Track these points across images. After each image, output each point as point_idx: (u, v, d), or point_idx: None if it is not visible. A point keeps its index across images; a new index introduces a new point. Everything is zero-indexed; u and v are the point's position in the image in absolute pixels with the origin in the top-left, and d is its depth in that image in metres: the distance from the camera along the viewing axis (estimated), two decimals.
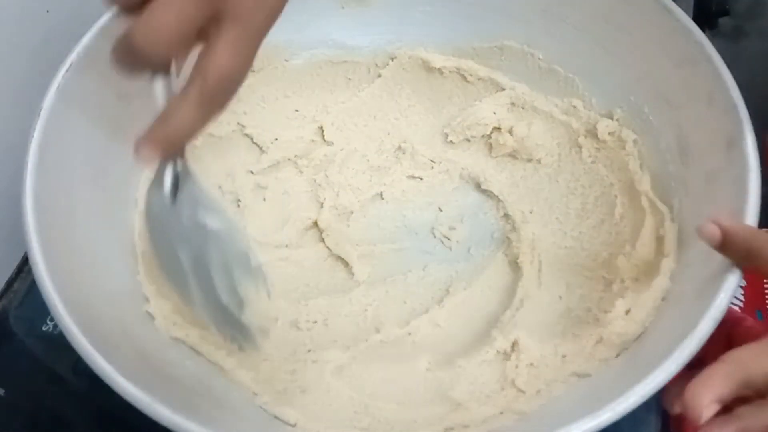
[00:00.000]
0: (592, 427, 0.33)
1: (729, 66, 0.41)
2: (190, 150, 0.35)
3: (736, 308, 0.50)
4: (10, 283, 0.52)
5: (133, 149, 0.33)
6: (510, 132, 0.52)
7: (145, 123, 0.35)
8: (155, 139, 0.32)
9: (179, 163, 0.35)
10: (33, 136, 0.40)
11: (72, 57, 0.41)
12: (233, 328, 0.40)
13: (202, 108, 0.32)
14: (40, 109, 0.40)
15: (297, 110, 0.55)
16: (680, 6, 0.44)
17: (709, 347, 0.44)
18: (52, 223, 0.39)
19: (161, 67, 0.32)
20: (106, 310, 0.40)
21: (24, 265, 0.53)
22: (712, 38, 0.43)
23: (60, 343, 0.35)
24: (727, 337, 0.44)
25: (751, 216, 0.37)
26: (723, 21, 0.61)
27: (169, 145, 0.33)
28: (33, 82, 0.41)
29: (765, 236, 0.35)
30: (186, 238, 0.37)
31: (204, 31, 0.31)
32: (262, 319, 0.40)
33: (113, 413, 0.46)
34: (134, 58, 0.31)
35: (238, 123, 0.53)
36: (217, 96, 0.32)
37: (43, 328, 0.50)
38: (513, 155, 0.53)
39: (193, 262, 0.37)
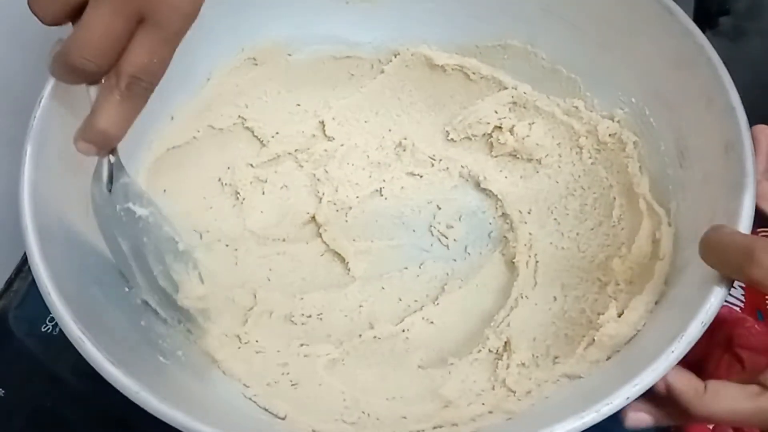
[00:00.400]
0: (577, 428, 0.33)
1: (729, 66, 0.41)
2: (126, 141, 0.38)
3: (737, 309, 0.50)
4: (9, 283, 0.52)
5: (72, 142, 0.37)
6: (511, 131, 0.52)
7: (143, 117, 0.38)
8: (86, 138, 0.36)
9: (112, 156, 0.38)
10: (30, 133, 0.39)
11: None
12: (176, 311, 0.42)
13: (122, 106, 0.35)
14: (38, 105, 0.40)
15: (298, 105, 0.55)
16: (681, 5, 0.43)
17: (710, 349, 0.44)
18: (50, 220, 0.39)
19: (97, 78, 0.35)
20: (102, 304, 0.40)
21: (23, 265, 0.53)
22: (713, 38, 0.42)
23: (59, 343, 0.36)
24: (727, 338, 0.44)
25: (745, 219, 0.37)
26: (723, 20, 0.61)
27: (99, 141, 0.36)
28: (32, 82, 0.41)
29: (734, 239, 0.34)
30: (123, 226, 0.40)
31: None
32: (197, 302, 0.42)
33: (112, 413, 0.47)
34: (71, 73, 0.34)
35: (239, 116, 0.53)
36: (132, 93, 0.35)
37: (43, 329, 0.50)
38: (513, 155, 0.53)
39: (132, 248, 0.40)
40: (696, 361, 0.35)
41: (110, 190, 0.39)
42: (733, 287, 0.46)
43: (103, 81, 0.36)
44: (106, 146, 0.37)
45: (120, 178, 0.39)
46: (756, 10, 0.59)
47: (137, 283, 0.41)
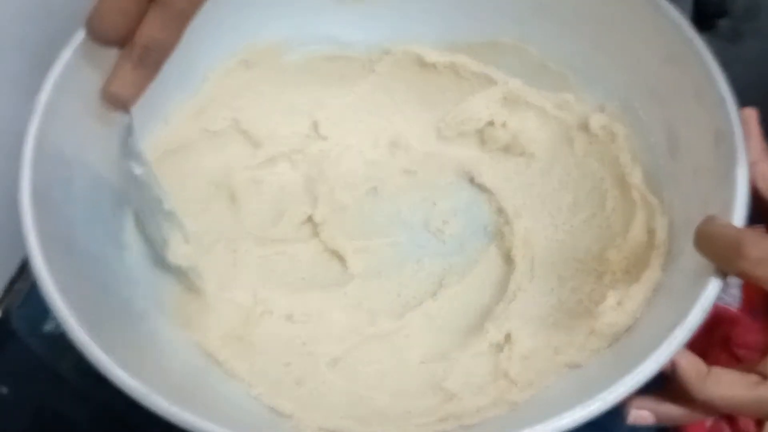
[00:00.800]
0: (583, 417, 0.33)
1: (726, 67, 0.41)
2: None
3: (734, 308, 0.51)
4: (12, 283, 0.52)
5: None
6: (503, 126, 0.53)
7: (138, 120, 0.41)
8: (104, 96, 0.40)
9: (127, 116, 0.41)
10: (29, 131, 0.40)
11: (68, 51, 0.41)
12: (171, 266, 0.45)
13: (132, 73, 0.39)
14: (37, 104, 0.40)
15: (292, 106, 0.55)
16: (679, 6, 0.44)
17: (708, 348, 0.45)
18: (51, 219, 0.39)
19: (118, 43, 0.39)
20: (104, 303, 0.40)
21: (26, 265, 0.53)
22: (711, 39, 0.43)
23: (62, 342, 0.36)
24: (725, 337, 0.45)
25: (740, 210, 0.37)
26: (721, 22, 0.62)
27: (111, 102, 0.40)
28: (33, 82, 0.41)
29: (724, 231, 0.35)
30: (129, 182, 0.43)
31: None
32: (184, 259, 0.45)
33: (115, 412, 0.47)
34: (94, 38, 0.39)
35: (233, 118, 0.53)
36: (143, 63, 0.39)
37: (45, 328, 0.50)
38: (506, 149, 0.53)
39: (137, 204, 0.44)
40: None
41: (124, 149, 0.42)
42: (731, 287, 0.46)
43: None
44: (118, 107, 0.40)
45: (127, 138, 0.42)
46: (753, 11, 0.60)
47: (149, 237, 0.45)
